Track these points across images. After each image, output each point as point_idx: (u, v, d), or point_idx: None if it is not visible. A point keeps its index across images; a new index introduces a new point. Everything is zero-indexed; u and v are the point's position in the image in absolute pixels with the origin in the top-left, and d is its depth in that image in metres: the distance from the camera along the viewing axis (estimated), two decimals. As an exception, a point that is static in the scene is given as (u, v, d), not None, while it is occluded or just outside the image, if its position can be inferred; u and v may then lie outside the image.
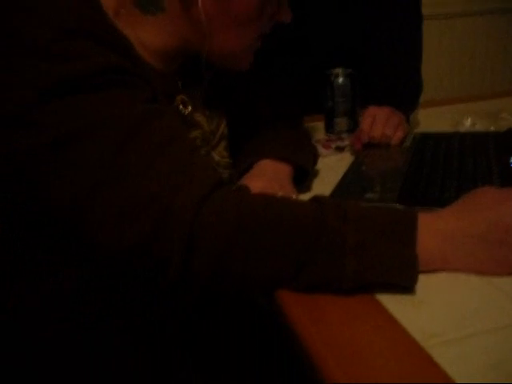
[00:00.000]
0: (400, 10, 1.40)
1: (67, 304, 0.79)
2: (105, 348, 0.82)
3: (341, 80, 1.32)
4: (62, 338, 0.80)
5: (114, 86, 0.70)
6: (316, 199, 0.73)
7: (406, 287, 0.67)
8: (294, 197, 0.91)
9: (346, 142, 1.28)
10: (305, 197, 0.91)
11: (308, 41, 1.51)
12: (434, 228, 0.69)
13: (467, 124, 1.35)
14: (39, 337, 0.80)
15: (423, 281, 0.68)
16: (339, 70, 1.33)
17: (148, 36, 0.83)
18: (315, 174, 1.08)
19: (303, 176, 1.01)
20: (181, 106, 0.90)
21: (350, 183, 1.00)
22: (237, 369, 0.96)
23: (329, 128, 1.37)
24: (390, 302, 0.66)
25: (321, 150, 1.22)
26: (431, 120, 1.44)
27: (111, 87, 0.70)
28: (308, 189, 1.02)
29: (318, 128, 1.38)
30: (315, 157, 1.08)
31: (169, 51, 0.86)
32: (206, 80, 0.96)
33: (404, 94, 1.33)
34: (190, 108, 0.91)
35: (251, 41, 0.88)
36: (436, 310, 0.64)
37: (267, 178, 0.91)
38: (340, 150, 1.25)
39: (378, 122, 1.20)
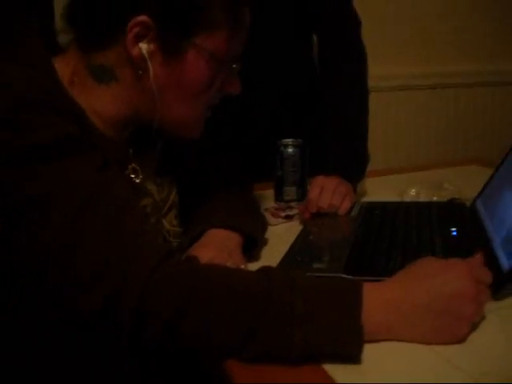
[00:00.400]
0: (348, 83, 1.46)
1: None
2: None
3: (290, 150, 1.35)
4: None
5: (67, 156, 0.72)
6: (264, 269, 0.74)
7: (352, 357, 0.68)
8: (242, 266, 0.92)
9: (295, 211, 1.30)
10: (254, 266, 0.91)
11: (256, 109, 1.55)
12: (378, 298, 0.71)
13: (412, 194, 1.39)
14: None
15: (369, 350, 0.69)
16: (289, 141, 1.36)
17: (101, 104, 0.85)
18: (264, 242, 1.09)
19: (252, 245, 1.02)
20: (132, 175, 0.91)
21: (297, 253, 1.01)
22: None
23: (278, 196, 1.39)
24: (337, 371, 0.67)
25: (270, 218, 1.23)
26: (377, 189, 1.47)
27: (64, 157, 0.72)
28: (257, 258, 1.03)
29: (267, 196, 1.40)
30: (264, 226, 1.09)
31: (121, 119, 0.88)
32: (158, 148, 0.98)
33: (351, 164, 1.36)
34: (141, 177, 0.93)
35: (201, 111, 0.91)
36: (383, 378, 0.65)
37: (216, 246, 0.92)
38: (289, 218, 1.27)
39: (326, 191, 1.22)
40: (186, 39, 0.82)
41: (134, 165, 0.92)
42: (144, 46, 0.81)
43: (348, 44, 1.50)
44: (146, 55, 0.81)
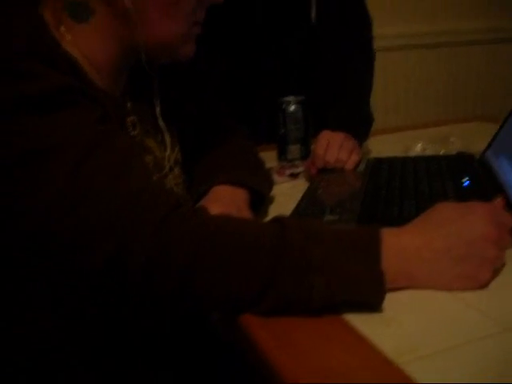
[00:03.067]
0: (354, 42, 1.43)
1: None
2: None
3: (293, 107, 1.32)
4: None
5: (66, 107, 0.68)
6: (277, 219, 0.71)
7: (374, 305, 0.65)
8: (252, 221, 0.89)
9: (300, 169, 1.27)
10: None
11: (257, 68, 1.51)
12: (397, 244, 0.68)
13: (418, 149, 1.36)
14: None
15: (390, 299, 0.66)
16: (291, 98, 1.32)
17: (90, 49, 0.81)
18: (271, 200, 1.07)
19: (259, 201, 0.99)
20: (130, 129, 0.87)
21: (307, 207, 0.99)
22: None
23: (281, 155, 1.36)
24: (359, 321, 0.64)
25: (275, 177, 1.20)
26: (382, 146, 1.44)
27: (63, 108, 0.67)
28: (265, 214, 1.00)
29: (270, 156, 1.36)
30: (270, 182, 1.06)
31: (112, 61, 0.84)
32: (155, 87, 0.94)
33: (356, 122, 1.33)
34: (138, 129, 0.89)
35: (184, 28, 0.85)
36: (406, 326, 0.63)
37: (224, 202, 0.89)
38: (294, 176, 1.24)
39: (333, 146, 1.19)
40: None
41: (132, 117, 0.88)
42: None
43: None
44: None
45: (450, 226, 0.69)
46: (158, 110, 0.94)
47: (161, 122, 0.94)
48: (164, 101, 0.95)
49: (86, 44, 0.80)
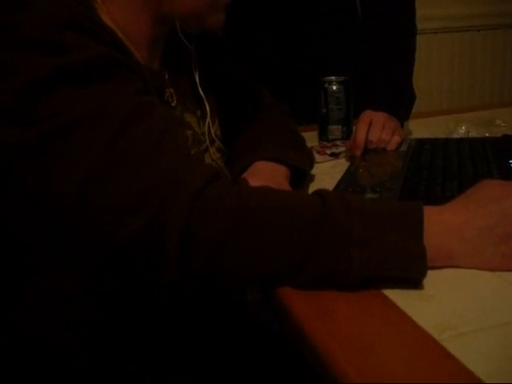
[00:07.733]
0: (397, 16, 1.40)
1: (57, 309, 0.75)
2: (99, 355, 0.78)
3: (335, 87, 1.30)
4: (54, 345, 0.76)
5: (107, 78, 0.68)
6: (319, 192, 0.70)
7: (415, 281, 0.64)
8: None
9: (341, 149, 1.25)
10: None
11: (301, 44, 1.50)
12: (439, 221, 0.67)
13: (461, 131, 1.33)
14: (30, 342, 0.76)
15: (429, 276, 0.65)
16: (333, 78, 1.31)
17: (124, 21, 0.81)
18: (311, 178, 1.06)
19: (300, 179, 0.98)
20: (170, 100, 0.88)
21: (347, 185, 0.98)
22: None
23: (322, 135, 1.34)
24: (398, 296, 0.63)
25: (316, 156, 1.19)
26: (424, 128, 1.42)
27: (103, 79, 0.67)
28: (305, 192, 0.99)
29: (310, 136, 1.35)
30: (311, 160, 1.06)
31: (147, 32, 0.84)
32: (193, 54, 0.94)
33: (398, 101, 1.31)
34: (175, 102, 0.89)
35: None
36: (447, 303, 0.62)
37: (264, 177, 0.88)
38: (335, 155, 1.23)
39: (375, 126, 1.18)
40: None
41: (170, 90, 0.88)
42: None
43: None
44: None
45: (494, 204, 0.67)
46: (197, 79, 0.93)
47: (200, 91, 0.94)
48: (202, 75, 0.95)
49: (121, 16, 0.81)
